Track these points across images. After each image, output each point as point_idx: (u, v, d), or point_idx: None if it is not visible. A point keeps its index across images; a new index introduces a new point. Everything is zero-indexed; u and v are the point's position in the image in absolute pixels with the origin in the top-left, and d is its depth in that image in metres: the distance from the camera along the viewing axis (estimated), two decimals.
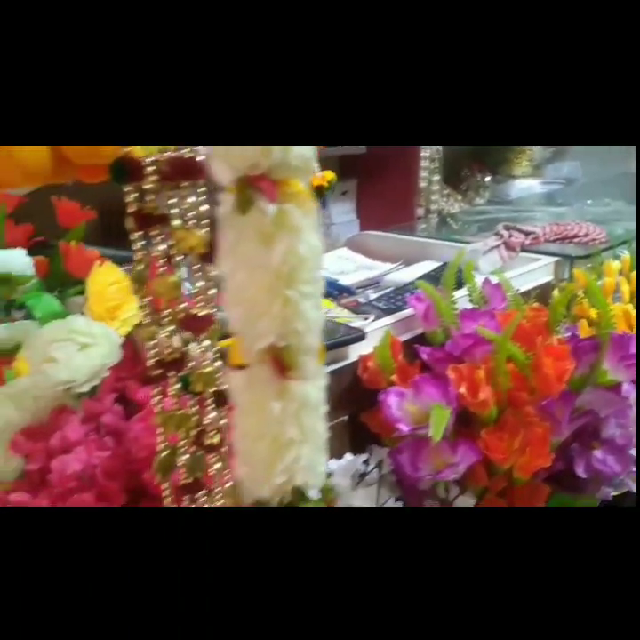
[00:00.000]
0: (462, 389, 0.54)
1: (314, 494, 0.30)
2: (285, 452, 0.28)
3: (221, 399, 0.42)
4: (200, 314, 0.39)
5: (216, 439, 0.43)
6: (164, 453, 0.43)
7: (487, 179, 1.72)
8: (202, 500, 0.44)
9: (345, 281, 0.94)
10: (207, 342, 0.40)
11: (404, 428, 0.54)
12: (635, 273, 0.82)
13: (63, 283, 0.80)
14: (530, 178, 1.79)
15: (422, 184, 1.37)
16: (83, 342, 0.54)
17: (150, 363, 0.41)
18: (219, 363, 0.42)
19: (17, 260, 0.73)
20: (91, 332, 0.54)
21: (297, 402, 0.28)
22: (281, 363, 0.27)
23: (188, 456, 0.42)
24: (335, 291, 0.86)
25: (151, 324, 0.41)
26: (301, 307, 0.27)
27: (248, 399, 0.28)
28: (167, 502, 0.45)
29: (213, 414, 0.42)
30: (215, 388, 0.42)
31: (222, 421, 0.43)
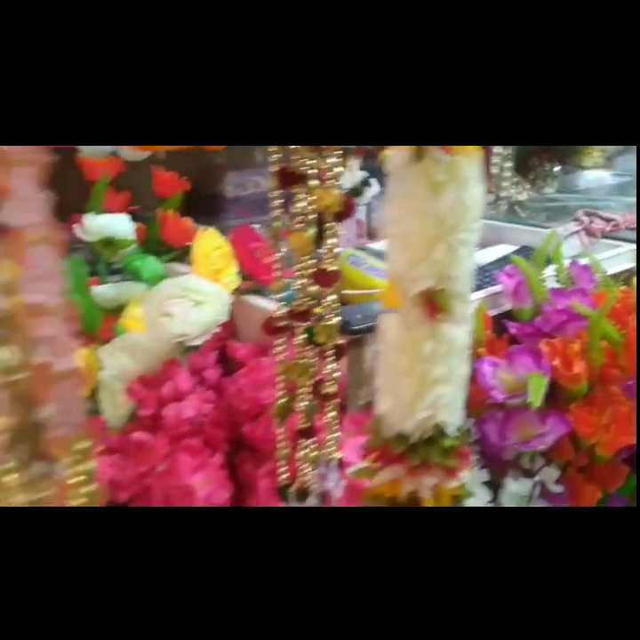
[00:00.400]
0: (556, 362, 0.56)
1: (452, 431, 0.32)
2: (431, 389, 0.31)
3: (340, 352, 0.45)
4: (329, 269, 0.42)
5: (332, 389, 0.46)
6: (283, 400, 0.46)
7: (556, 168, 1.70)
8: (313, 446, 0.48)
9: None
10: (333, 296, 0.43)
11: (499, 395, 0.55)
12: None
13: (158, 250, 0.85)
14: (600, 169, 1.76)
15: (494, 170, 1.37)
16: (196, 299, 0.57)
17: (279, 314, 0.44)
18: (338, 318, 0.45)
19: (120, 225, 0.77)
20: (203, 291, 0.58)
21: (446, 344, 0.30)
22: (435, 306, 0.30)
23: (306, 403, 0.46)
24: None
25: (281, 278, 0.44)
26: (459, 253, 0.29)
27: (399, 339, 0.31)
28: (281, 446, 0.48)
29: (332, 365, 0.45)
30: (335, 341, 0.45)
31: (336, 374, 0.46)
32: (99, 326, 0.67)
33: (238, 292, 0.70)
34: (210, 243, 0.66)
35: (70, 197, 0.86)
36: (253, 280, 0.71)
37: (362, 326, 0.67)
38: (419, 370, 0.31)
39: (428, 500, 0.32)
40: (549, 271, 0.73)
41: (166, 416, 0.56)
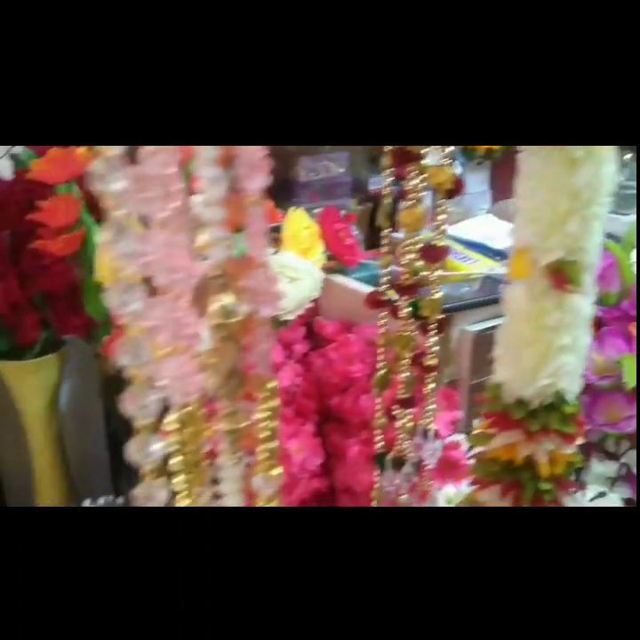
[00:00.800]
0: None
1: (571, 399, 0.34)
2: (555, 358, 0.32)
3: (442, 326, 0.47)
4: (439, 244, 0.43)
5: (433, 361, 0.47)
6: (383, 371, 0.49)
7: (627, 156, 1.65)
8: (410, 416, 0.50)
9: (496, 245, 0.96)
10: (439, 272, 0.45)
11: (590, 376, 0.56)
12: None
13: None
14: None
15: None
16: (291, 276, 0.60)
17: (383, 287, 0.46)
18: (440, 294, 0.47)
19: None
20: (298, 268, 0.60)
21: (571, 313, 0.32)
22: (563, 277, 0.31)
23: (407, 374, 0.47)
24: (491, 254, 0.88)
25: (388, 253, 0.45)
26: (592, 226, 0.30)
27: (526, 308, 0.32)
28: (378, 416, 0.50)
29: (434, 339, 0.47)
30: (438, 316, 0.46)
31: (437, 347, 0.48)
32: None
33: (323, 270, 0.72)
34: (299, 223, 0.69)
35: None
36: (337, 260, 0.73)
37: (446, 306, 0.68)
38: (543, 339, 0.32)
39: (543, 465, 0.34)
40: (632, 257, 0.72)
41: None
